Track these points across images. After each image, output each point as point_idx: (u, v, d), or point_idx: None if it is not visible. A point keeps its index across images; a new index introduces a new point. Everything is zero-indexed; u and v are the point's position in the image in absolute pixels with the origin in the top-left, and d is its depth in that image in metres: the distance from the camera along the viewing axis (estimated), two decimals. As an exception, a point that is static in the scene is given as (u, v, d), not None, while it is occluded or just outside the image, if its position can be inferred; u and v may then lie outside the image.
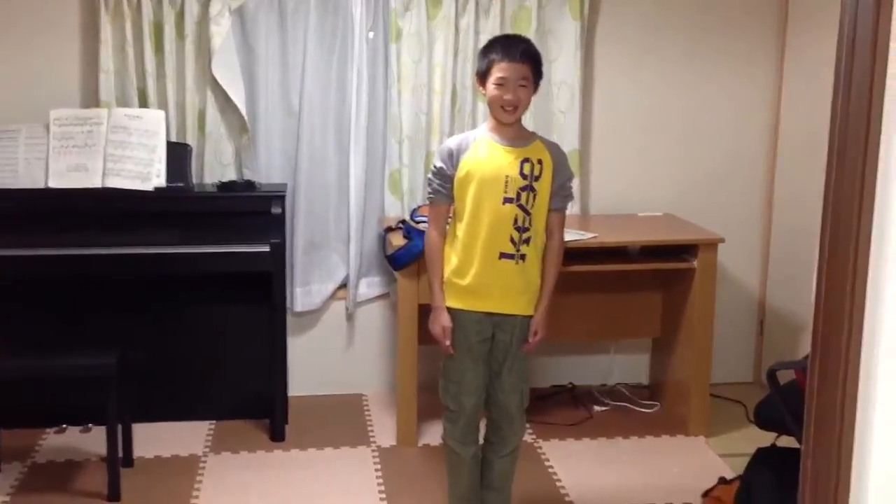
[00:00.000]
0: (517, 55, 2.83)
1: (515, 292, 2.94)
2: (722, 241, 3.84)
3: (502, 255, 2.88)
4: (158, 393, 3.94)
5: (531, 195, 2.88)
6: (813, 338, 1.70)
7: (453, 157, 2.92)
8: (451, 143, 2.97)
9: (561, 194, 2.97)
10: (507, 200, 2.86)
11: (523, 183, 2.87)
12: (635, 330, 4.27)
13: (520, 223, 2.88)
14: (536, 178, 2.88)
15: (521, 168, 2.87)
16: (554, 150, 2.97)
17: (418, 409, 3.85)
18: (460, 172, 2.89)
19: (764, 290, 4.47)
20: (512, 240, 2.88)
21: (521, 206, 2.87)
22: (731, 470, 3.53)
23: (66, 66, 4.01)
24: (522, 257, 2.90)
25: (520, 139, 2.92)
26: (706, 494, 3.34)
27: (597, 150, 4.34)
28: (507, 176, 2.86)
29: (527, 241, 2.90)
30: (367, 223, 4.23)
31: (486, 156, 2.88)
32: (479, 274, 2.90)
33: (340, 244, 4.26)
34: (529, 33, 4.08)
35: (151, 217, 3.81)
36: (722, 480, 3.36)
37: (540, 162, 2.90)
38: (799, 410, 2.86)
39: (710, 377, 3.91)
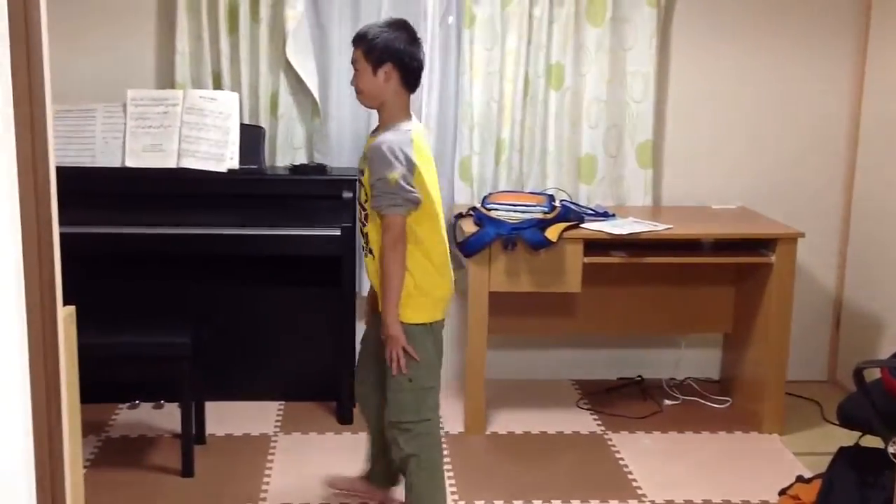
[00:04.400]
0: (353, 40, 2.88)
1: None
2: (802, 235, 3.76)
3: None
4: (229, 372, 3.97)
5: (363, 191, 2.89)
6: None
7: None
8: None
9: (373, 194, 2.81)
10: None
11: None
12: (706, 324, 4.20)
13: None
14: (362, 173, 2.90)
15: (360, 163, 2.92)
16: (373, 146, 2.84)
17: (486, 397, 3.82)
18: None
19: (841, 286, 4.36)
20: None
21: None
22: (808, 469, 3.45)
23: (143, 48, 4.04)
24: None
25: (377, 129, 2.92)
26: (783, 492, 3.27)
27: (670, 140, 4.27)
28: None
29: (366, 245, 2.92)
30: (436, 210, 4.21)
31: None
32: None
33: (409, 230, 4.24)
34: (604, 23, 4.05)
35: (224, 198, 3.83)
36: (800, 479, 3.29)
37: (365, 157, 2.88)
38: (885, 410, 2.81)
39: (786, 374, 3.83)
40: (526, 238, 3.63)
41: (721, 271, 4.06)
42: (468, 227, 3.75)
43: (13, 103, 1.65)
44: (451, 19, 4.07)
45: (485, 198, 3.91)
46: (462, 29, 4.07)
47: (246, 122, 3.96)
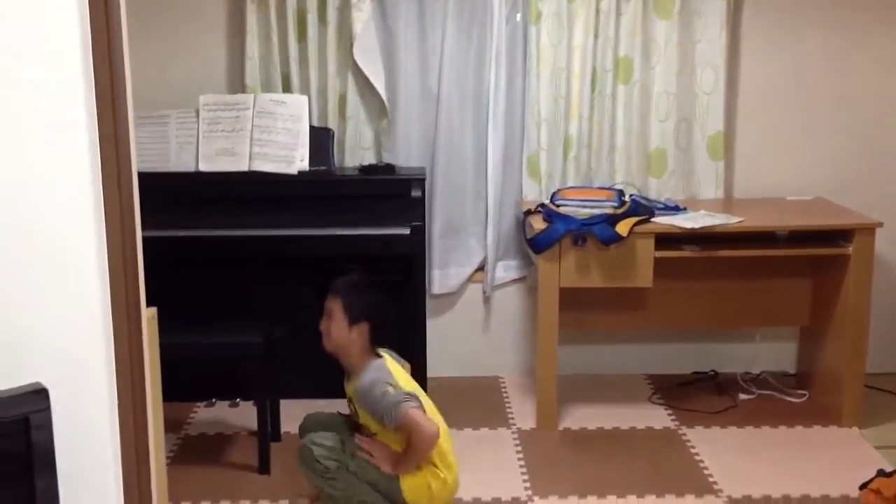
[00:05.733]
0: (330, 289, 3.02)
1: None
2: (880, 225, 3.67)
3: None
4: (303, 371, 4.02)
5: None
6: None
7: None
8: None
9: (381, 414, 2.90)
10: None
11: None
12: (782, 317, 4.13)
13: None
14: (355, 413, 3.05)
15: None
16: (360, 391, 2.95)
17: (557, 392, 3.82)
18: None
19: (921, 277, 4.26)
20: None
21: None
22: (889, 462, 3.38)
23: (213, 52, 4.13)
24: None
25: (353, 374, 3.03)
26: (864, 487, 3.21)
27: (742, 132, 4.21)
28: None
29: None
30: (504, 207, 4.22)
31: None
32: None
33: (478, 228, 4.26)
34: (673, 15, 4.01)
35: (295, 200, 3.88)
36: (881, 473, 3.23)
37: (352, 401, 3.04)
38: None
39: (865, 367, 3.75)
40: (596, 233, 3.61)
41: (797, 264, 3.98)
42: (537, 223, 3.75)
43: (97, 113, 1.70)
44: (518, 16, 4.08)
45: (553, 194, 3.90)
46: (528, 25, 4.06)
47: (315, 124, 4.02)
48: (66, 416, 1.73)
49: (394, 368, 3.00)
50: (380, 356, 3.03)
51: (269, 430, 3.48)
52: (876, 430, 3.76)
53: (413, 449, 2.91)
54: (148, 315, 1.90)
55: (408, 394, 2.91)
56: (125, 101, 1.78)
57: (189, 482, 3.35)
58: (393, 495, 2.96)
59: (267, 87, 4.06)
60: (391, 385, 2.90)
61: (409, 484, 2.95)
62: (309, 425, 3.17)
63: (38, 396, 1.67)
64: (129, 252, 1.80)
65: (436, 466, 2.97)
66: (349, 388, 3.05)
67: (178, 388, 3.97)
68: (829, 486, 3.31)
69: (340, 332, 2.98)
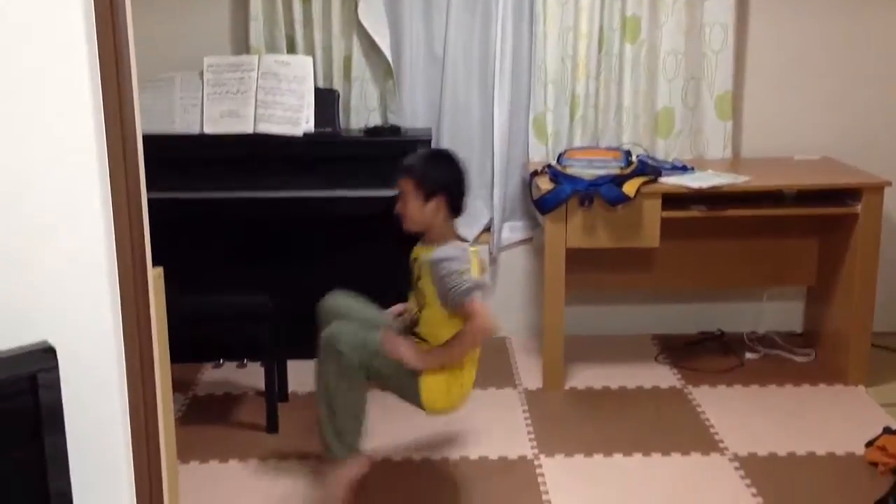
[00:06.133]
0: (400, 173, 2.95)
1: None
2: (889, 184, 3.65)
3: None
4: (309, 331, 4.02)
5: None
6: None
7: None
8: None
9: (445, 289, 2.82)
10: None
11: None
12: (789, 277, 4.12)
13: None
14: (418, 278, 2.96)
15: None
16: (436, 256, 2.87)
17: (564, 353, 3.84)
18: None
19: (929, 236, 4.24)
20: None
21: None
22: (895, 420, 3.39)
23: (217, 14, 4.10)
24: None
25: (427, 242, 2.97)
26: (870, 444, 3.22)
27: (750, 91, 4.18)
28: None
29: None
30: (510, 168, 4.20)
31: None
32: None
33: (484, 189, 4.25)
34: (681, -27, 3.97)
35: (300, 162, 3.88)
36: (886, 430, 3.24)
37: (417, 261, 2.97)
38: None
39: (871, 325, 3.75)
40: (603, 194, 3.60)
41: (804, 223, 3.97)
42: (544, 184, 3.74)
43: (101, 75, 1.69)
44: (524, -25, 4.04)
45: (560, 154, 3.89)
46: (534, -16, 4.03)
47: (320, 85, 4.00)
48: (74, 375, 1.75)
49: (475, 260, 2.91)
50: (466, 240, 2.97)
51: (276, 390, 3.50)
52: (882, 388, 3.77)
53: (463, 339, 2.83)
54: (154, 274, 1.90)
55: (480, 285, 2.84)
56: (129, 63, 1.77)
57: (197, 442, 3.38)
58: (409, 396, 2.92)
59: (271, 49, 4.03)
60: (468, 271, 2.83)
61: (429, 385, 2.89)
62: (329, 311, 3.13)
63: (46, 355, 1.68)
64: (134, 212, 1.80)
65: (460, 368, 2.93)
66: (422, 250, 2.96)
67: (186, 349, 3.97)
68: (835, 444, 3.32)
69: (417, 209, 2.91)
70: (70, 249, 1.74)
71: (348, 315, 3.09)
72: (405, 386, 2.92)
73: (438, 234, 2.94)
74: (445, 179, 2.92)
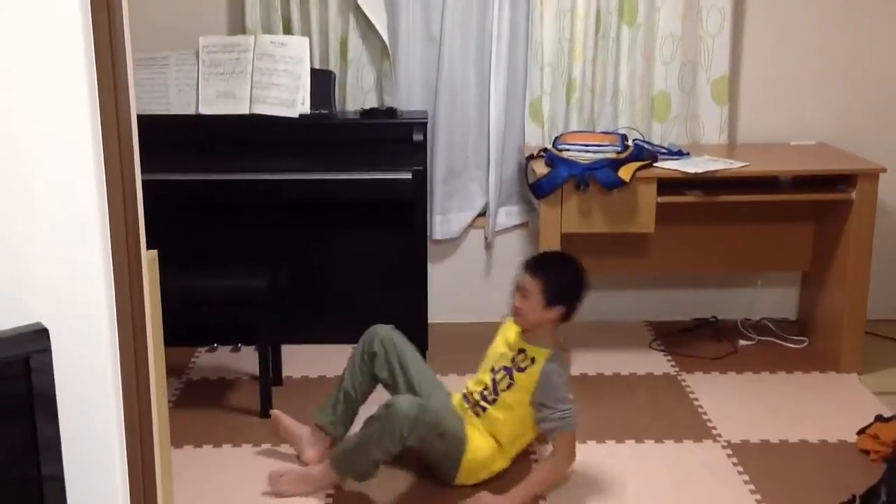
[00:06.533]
0: (525, 266, 2.96)
1: None
2: (884, 170, 3.65)
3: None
4: (304, 316, 4.03)
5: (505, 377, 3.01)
6: None
7: None
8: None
9: (545, 414, 2.91)
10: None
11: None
12: (783, 263, 4.13)
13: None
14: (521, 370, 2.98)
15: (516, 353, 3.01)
16: (546, 373, 2.93)
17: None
18: None
19: (924, 223, 4.25)
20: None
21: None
22: (888, 408, 3.40)
23: (213, -7, 4.08)
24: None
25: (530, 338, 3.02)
26: (862, 432, 3.23)
27: (747, 76, 4.17)
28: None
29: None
30: (506, 151, 4.19)
31: None
32: None
33: (480, 172, 4.23)
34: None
35: (296, 144, 3.86)
36: (879, 418, 3.25)
37: (533, 360, 2.96)
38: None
39: (865, 313, 3.75)
40: (598, 178, 3.59)
41: (799, 209, 3.97)
42: (540, 168, 3.73)
43: (95, 54, 1.67)
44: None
45: (556, 138, 3.87)
46: (532, -34, 4.00)
47: (316, 66, 3.97)
48: (67, 358, 1.73)
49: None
50: (564, 349, 3.02)
51: (270, 374, 3.50)
52: (875, 375, 3.78)
53: (547, 473, 2.93)
54: (149, 257, 1.89)
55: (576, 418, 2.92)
56: (123, 41, 1.75)
57: (191, 426, 3.37)
58: (446, 472, 2.98)
59: (267, 30, 4.00)
60: (570, 394, 2.92)
61: (470, 462, 2.96)
62: (383, 350, 3.15)
63: (38, 336, 1.67)
64: (128, 194, 1.79)
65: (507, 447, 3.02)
66: (524, 344, 3.01)
67: (180, 333, 3.98)
68: (828, 432, 3.33)
69: (536, 311, 2.94)
70: (64, 232, 1.72)
71: (405, 367, 3.11)
72: (445, 464, 2.97)
73: (543, 335, 2.98)
74: (573, 292, 2.95)
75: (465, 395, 3.11)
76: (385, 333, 3.15)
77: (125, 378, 1.79)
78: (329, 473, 2.96)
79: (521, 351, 3.00)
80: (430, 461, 3.01)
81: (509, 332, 3.09)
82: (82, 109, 1.69)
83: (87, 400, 1.78)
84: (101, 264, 1.72)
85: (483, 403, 3.02)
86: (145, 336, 1.81)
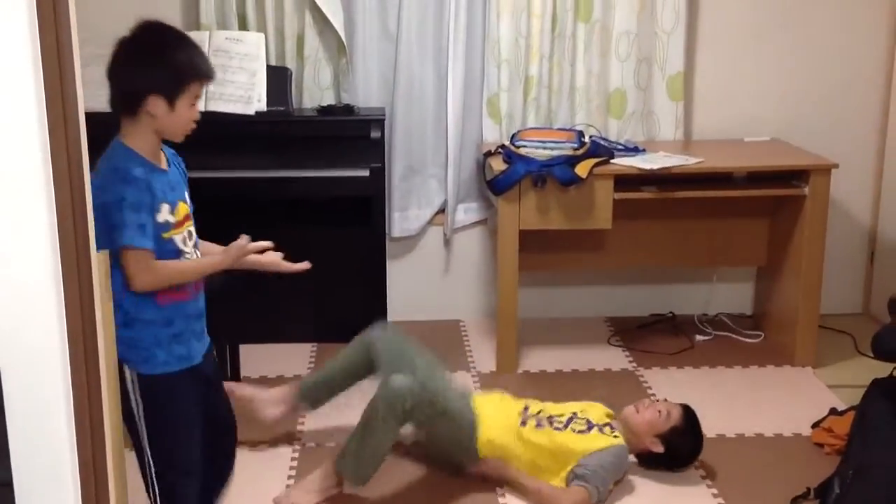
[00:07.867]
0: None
1: None
2: (836, 166, 3.70)
3: None
4: (262, 315, 3.99)
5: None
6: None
7: None
8: None
9: (588, 479, 2.95)
10: None
11: None
12: (739, 258, 4.17)
13: None
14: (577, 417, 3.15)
15: None
16: (614, 448, 3.05)
17: (517, 336, 3.84)
18: None
19: (876, 218, 4.31)
20: None
21: None
22: (841, 401, 3.44)
23: (168, -11, 4.02)
24: None
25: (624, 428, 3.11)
26: (816, 425, 3.27)
27: (701, 73, 4.20)
28: None
29: None
30: (465, 148, 4.18)
31: None
32: None
33: (438, 169, 4.23)
34: (632, -47, 3.97)
35: (252, 141, 3.83)
36: (833, 411, 3.29)
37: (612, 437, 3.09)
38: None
39: (819, 307, 3.80)
40: (556, 175, 3.60)
41: (754, 204, 4.01)
42: (497, 164, 3.73)
43: (41, 47, 1.64)
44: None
45: (513, 135, 3.88)
46: (488, -37, 4.00)
47: (272, 63, 3.94)
48: (14, 361, 1.70)
49: None
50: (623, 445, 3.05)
51: (228, 374, 3.46)
52: (829, 369, 3.83)
53: (551, 492, 2.93)
54: (99, 258, 1.86)
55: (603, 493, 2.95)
56: (70, 38, 1.72)
57: (147, 426, 3.33)
58: (461, 456, 3.05)
59: (222, 26, 3.96)
60: (612, 485, 2.98)
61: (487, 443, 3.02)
62: (387, 353, 3.19)
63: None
64: (77, 194, 1.75)
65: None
66: (613, 417, 3.13)
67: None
68: (783, 425, 3.37)
69: (649, 431, 3.05)
70: (11, 230, 1.69)
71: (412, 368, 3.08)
72: (459, 444, 3.02)
73: (631, 435, 3.06)
74: (680, 453, 3.08)
75: (526, 406, 3.13)
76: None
77: (75, 380, 1.76)
78: (330, 475, 2.97)
79: (608, 425, 3.07)
80: (440, 451, 3.07)
81: (592, 410, 3.14)
82: (29, 108, 1.66)
83: (37, 403, 1.75)
84: (51, 265, 1.69)
85: (552, 424, 3.04)
86: (95, 337, 1.78)
